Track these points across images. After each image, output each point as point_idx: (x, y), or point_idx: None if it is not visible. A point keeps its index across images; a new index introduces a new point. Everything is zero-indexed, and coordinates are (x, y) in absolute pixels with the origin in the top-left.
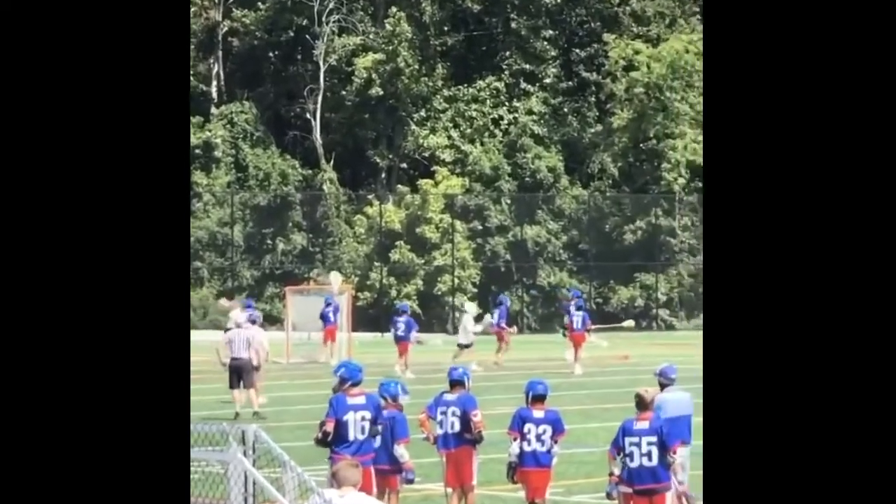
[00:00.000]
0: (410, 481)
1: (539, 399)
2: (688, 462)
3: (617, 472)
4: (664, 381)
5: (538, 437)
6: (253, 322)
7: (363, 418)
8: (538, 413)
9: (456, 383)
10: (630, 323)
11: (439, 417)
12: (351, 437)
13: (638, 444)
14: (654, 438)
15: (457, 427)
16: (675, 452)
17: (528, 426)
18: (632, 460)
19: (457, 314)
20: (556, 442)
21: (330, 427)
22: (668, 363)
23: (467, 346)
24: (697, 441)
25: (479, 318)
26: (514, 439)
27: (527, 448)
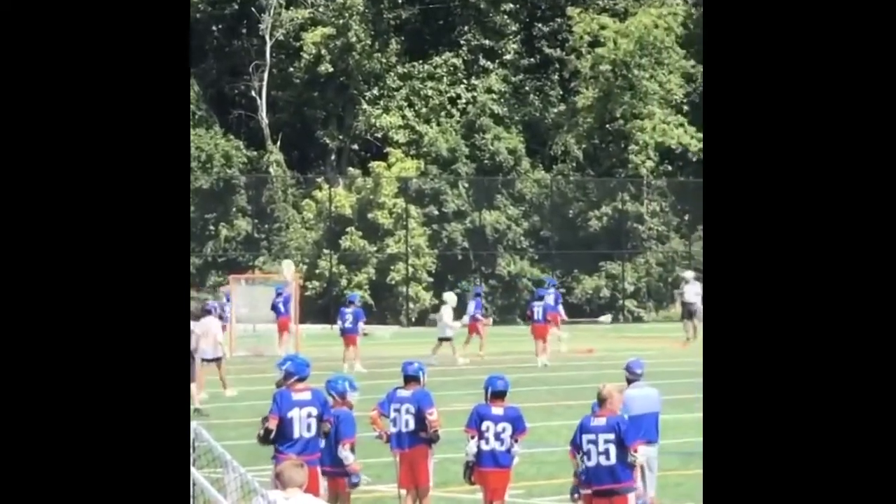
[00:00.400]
0: (355, 485)
1: (499, 395)
2: (654, 462)
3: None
4: (630, 377)
5: (497, 436)
6: (209, 312)
7: (309, 415)
8: (497, 410)
9: (411, 378)
10: (607, 318)
11: (392, 415)
12: (296, 434)
13: (595, 442)
14: (611, 436)
15: (411, 425)
16: (635, 451)
17: (486, 424)
18: (589, 459)
19: (411, 305)
20: (516, 441)
21: (273, 424)
22: (635, 357)
23: (447, 340)
24: (671, 440)
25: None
26: (472, 437)
27: (485, 447)
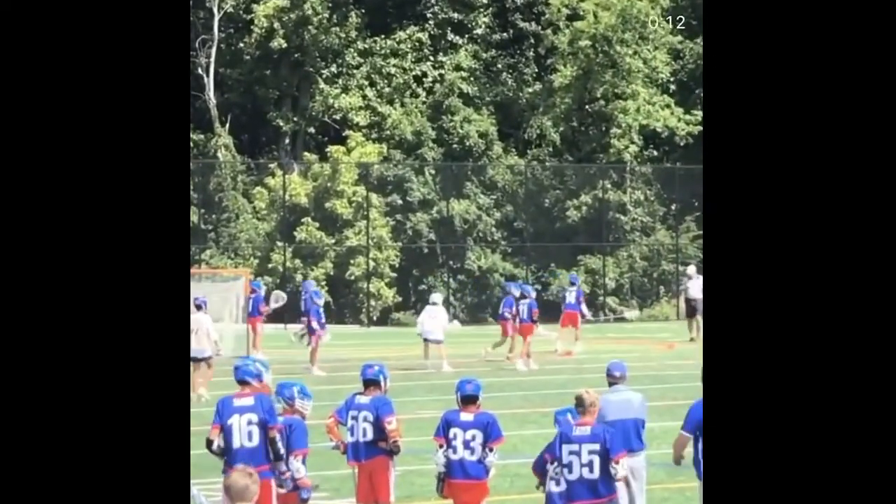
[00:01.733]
0: (305, 501)
1: (469, 401)
2: (642, 472)
3: (543, 488)
4: (610, 380)
5: (466, 444)
6: (199, 308)
7: (249, 422)
8: (467, 416)
9: (370, 383)
10: (633, 313)
11: (350, 423)
12: (235, 444)
13: (578, 454)
14: (596, 446)
15: (369, 434)
16: (617, 463)
17: (453, 431)
18: (570, 472)
19: (373, 302)
20: (490, 450)
21: (213, 434)
22: (617, 359)
23: (438, 342)
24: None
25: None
26: (441, 446)
27: (453, 457)
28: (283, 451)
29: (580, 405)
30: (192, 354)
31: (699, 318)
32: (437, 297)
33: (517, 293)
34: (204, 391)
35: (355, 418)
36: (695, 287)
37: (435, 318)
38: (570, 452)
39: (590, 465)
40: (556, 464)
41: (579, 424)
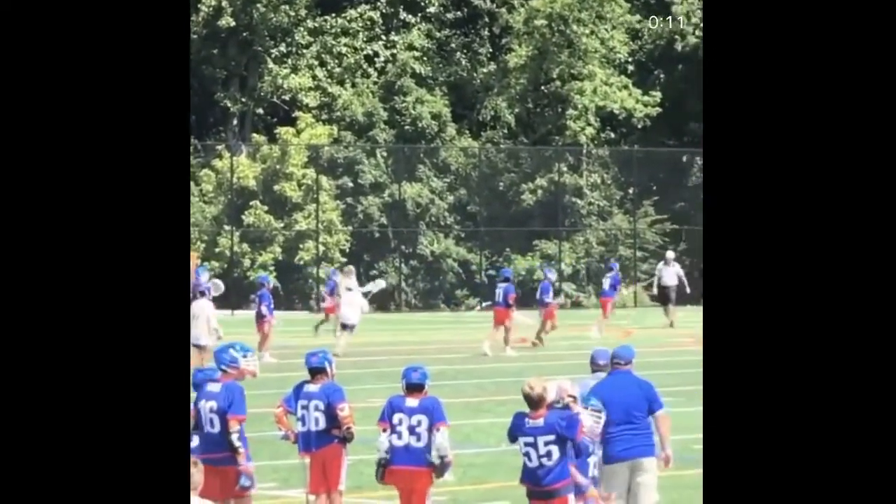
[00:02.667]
0: (246, 489)
1: (415, 389)
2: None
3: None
4: (593, 367)
5: (412, 430)
6: (202, 294)
7: (211, 409)
8: (412, 402)
9: (317, 371)
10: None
11: (300, 412)
12: (204, 428)
13: (534, 445)
14: (551, 437)
15: (321, 423)
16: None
17: (398, 416)
18: (529, 460)
19: (321, 288)
20: (437, 430)
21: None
22: (600, 347)
23: (352, 327)
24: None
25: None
26: (384, 430)
27: (398, 442)
28: (237, 444)
29: (528, 400)
30: (195, 342)
31: (671, 306)
32: (351, 282)
33: (553, 276)
34: None
35: (305, 407)
36: (669, 273)
37: (351, 304)
38: (526, 444)
39: (548, 454)
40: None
41: (532, 417)
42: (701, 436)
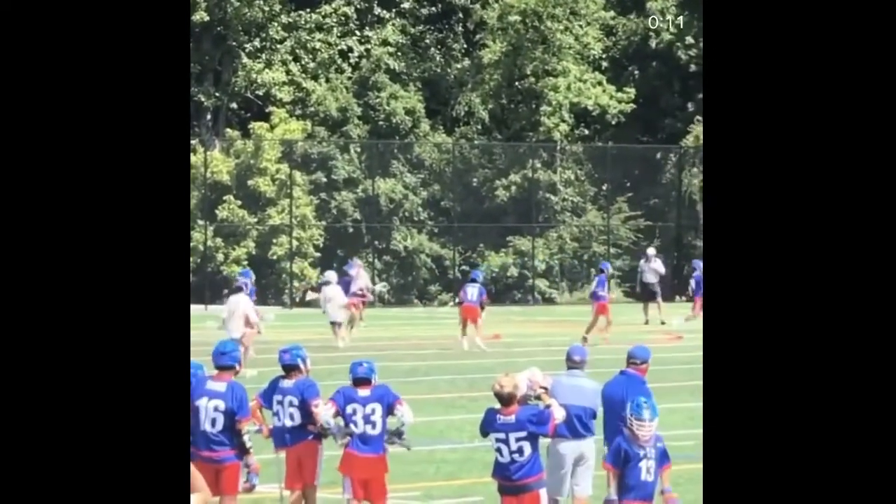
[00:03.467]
0: (254, 486)
1: (362, 383)
2: (592, 458)
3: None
4: (568, 364)
5: (367, 419)
6: (239, 290)
7: (216, 408)
8: (364, 392)
9: (291, 368)
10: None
11: (275, 407)
12: (201, 427)
13: (505, 441)
14: (522, 434)
15: (296, 419)
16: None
17: (352, 406)
18: (501, 456)
19: (295, 283)
20: (399, 406)
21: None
22: (577, 344)
23: (338, 324)
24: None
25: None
26: (327, 405)
27: (355, 430)
28: (248, 444)
29: (499, 398)
30: (231, 336)
31: (659, 300)
32: (329, 274)
33: (609, 270)
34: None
35: (280, 403)
36: (650, 270)
37: (331, 300)
38: (498, 440)
39: (519, 450)
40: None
41: (503, 413)
42: (683, 432)
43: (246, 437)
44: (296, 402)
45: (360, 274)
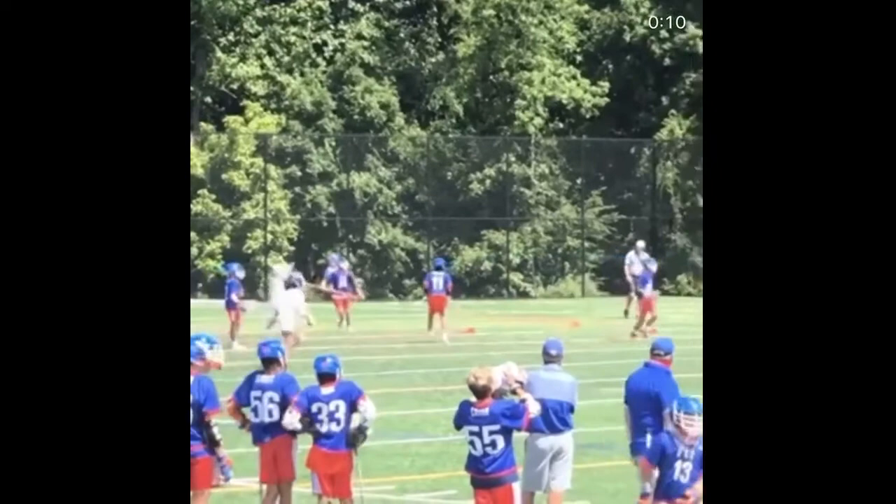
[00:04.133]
0: (228, 479)
1: (326, 378)
2: (570, 450)
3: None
4: (545, 358)
5: (331, 416)
6: (293, 286)
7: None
8: (328, 389)
9: (270, 361)
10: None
11: (253, 403)
12: None
13: (479, 434)
14: (496, 427)
15: (275, 414)
16: (527, 424)
17: (316, 406)
18: (474, 448)
19: (270, 277)
20: (362, 401)
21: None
22: (553, 338)
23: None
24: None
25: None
26: (291, 411)
27: (320, 429)
28: (218, 436)
29: (473, 390)
30: (283, 328)
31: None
32: (279, 268)
33: (654, 269)
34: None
35: (259, 398)
36: (638, 264)
37: (291, 307)
38: (471, 433)
39: (493, 444)
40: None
41: (478, 406)
42: None
43: (215, 430)
44: (276, 397)
45: (342, 269)
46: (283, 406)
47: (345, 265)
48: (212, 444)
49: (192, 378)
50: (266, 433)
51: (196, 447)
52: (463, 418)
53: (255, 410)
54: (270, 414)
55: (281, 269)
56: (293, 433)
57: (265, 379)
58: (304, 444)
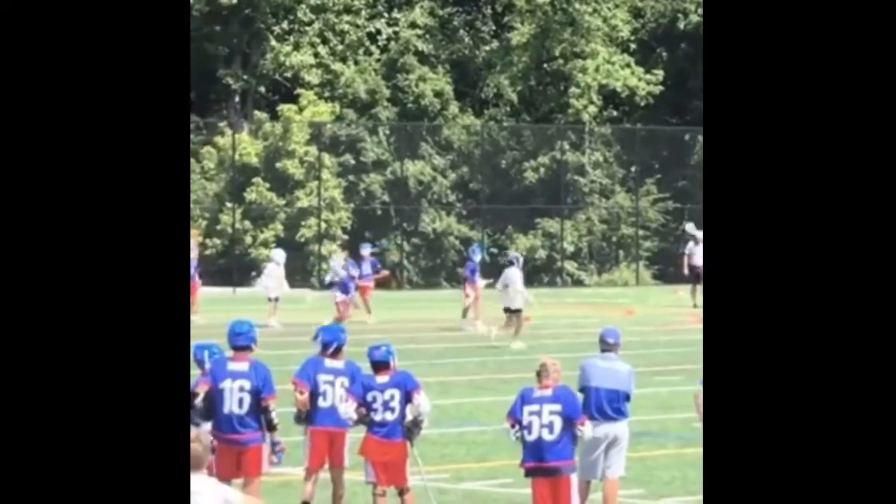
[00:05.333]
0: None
1: (381, 366)
2: (625, 439)
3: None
4: (602, 346)
5: (386, 405)
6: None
7: (241, 388)
8: (383, 378)
9: (338, 349)
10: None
11: (323, 387)
12: (226, 409)
13: (538, 413)
14: (557, 407)
15: (245, 405)
16: (582, 424)
17: (372, 394)
18: (529, 433)
19: (323, 265)
20: (416, 395)
21: (200, 389)
22: (611, 326)
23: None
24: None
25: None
26: (346, 401)
27: (376, 418)
28: (276, 421)
29: (542, 371)
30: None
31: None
32: (277, 253)
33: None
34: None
35: (331, 383)
36: (699, 253)
37: (270, 275)
38: (531, 413)
39: (550, 426)
40: (516, 427)
41: (540, 387)
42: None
43: (273, 415)
44: (347, 383)
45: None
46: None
47: (354, 271)
48: (270, 428)
49: (246, 363)
50: (329, 418)
51: (250, 434)
52: (524, 399)
53: (323, 395)
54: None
55: (336, 262)
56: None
57: (335, 364)
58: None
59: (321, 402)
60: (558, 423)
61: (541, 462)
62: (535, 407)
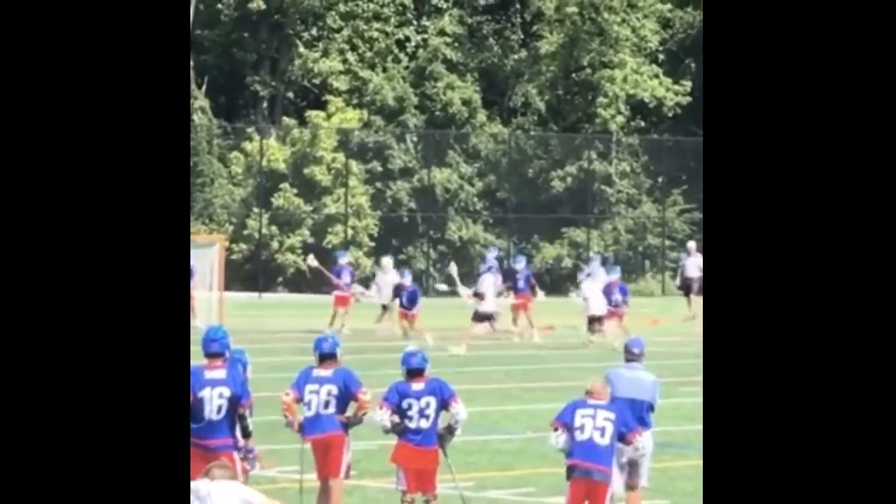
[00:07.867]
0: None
1: (415, 374)
2: (648, 449)
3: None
4: (627, 356)
5: (421, 412)
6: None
7: (220, 395)
8: (418, 386)
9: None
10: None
11: (308, 397)
12: (206, 416)
13: (593, 417)
14: (612, 415)
15: (332, 407)
16: (639, 435)
17: (407, 402)
18: (582, 432)
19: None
20: (454, 403)
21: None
22: (635, 336)
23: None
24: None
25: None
26: (381, 408)
27: (410, 425)
28: (251, 428)
29: (592, 389)
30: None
31: (693, 296)
32: (385, 261)
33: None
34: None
35: (315, 392)
36: (691, 265)
37: (380, 283)
38: (584, 416)
39: (602, 430)
40: (559, 431)
41: (594, 398)
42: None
43: (248, 422)
44: (334, 391)
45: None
46: (345, 399)
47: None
48: (244, 435)
49: (223, 371)
50: (317, 427)
51: (224, 440)
52: (577, 405)
53: (308, 404)
54: (326, 405)
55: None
56: (346, 429)
57: (322, 372)
58: (380, 439)
59: (306, 412)
60: (610, 428)
61: (586, 461)
62: (589, 411)
